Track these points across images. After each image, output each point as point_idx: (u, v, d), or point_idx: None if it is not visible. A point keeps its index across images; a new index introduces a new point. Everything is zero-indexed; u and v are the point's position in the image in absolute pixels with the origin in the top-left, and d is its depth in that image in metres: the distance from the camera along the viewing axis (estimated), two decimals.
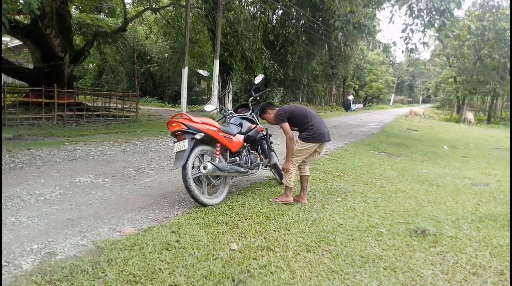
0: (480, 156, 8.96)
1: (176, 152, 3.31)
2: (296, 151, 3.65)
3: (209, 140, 3.51)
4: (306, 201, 3.74)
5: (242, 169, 3.79)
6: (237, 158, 3.84)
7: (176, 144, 3.34)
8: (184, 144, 3.27)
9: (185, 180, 3.26)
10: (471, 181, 5.42)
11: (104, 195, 3.69)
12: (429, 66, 42.53)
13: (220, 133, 3.57)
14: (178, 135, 3.35)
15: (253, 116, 4.32)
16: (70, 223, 2.92)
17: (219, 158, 3.56)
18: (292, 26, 17.68)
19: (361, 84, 35.81)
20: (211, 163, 3.38)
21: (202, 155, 3.57)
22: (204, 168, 3.33)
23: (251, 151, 4.12)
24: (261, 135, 4.25)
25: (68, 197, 3.55)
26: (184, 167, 3.24)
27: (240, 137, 3.89)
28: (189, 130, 3.30)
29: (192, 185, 3.28)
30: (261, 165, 4.20)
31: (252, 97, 4.38)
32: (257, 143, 4.22)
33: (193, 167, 3.38)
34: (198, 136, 3.33)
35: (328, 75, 26.62)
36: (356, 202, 3.90)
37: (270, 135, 4.50)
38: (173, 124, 3.34)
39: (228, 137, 3.67)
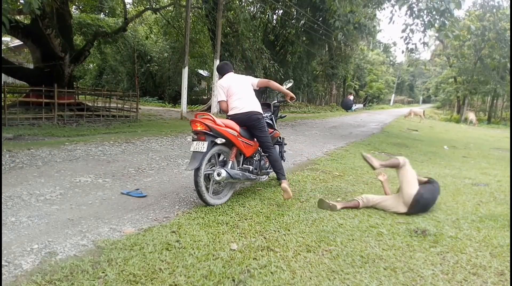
0: (480, 156, 8.95)
1: (193, 151, 3.31)
2: None
3: (226, 142, 3.51)
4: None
5: (252, 176, 3.79)
6: (250, 167, 3.83)
7: (195, 142, 3.32)
8: (203, 146, 3.25)
9: (196, 175, 3.27)
10: (472, 181, 5.41)
11: (104, 195, 3.69)
12: (429, 66, 42.48)
13: (239, 138, 3.57)
14: (198, 134, 3.34)
15: (272, 120, 4.29)
16: (70, 223, 2.92)
17: (232, 161, 3.57)
18: (292, 26, 17.68)
19: (361, 84, 35.79)
20: (226, 170, 3.35)
21: (217, 154, 3.57)
22: (218, 174, 3.31)
23: (262, 156, 4.10)
24: (276, 140, 4.26)
25: (68, 197, 3.55)
26: (198, 169, 3.25)
27: (256, 142, 3.87)
28: (211, 132, 3.30)
29: (201, 181, 3.28)
30: (270, 172, 4.19)
31: (276, 101, 4.39)
32: None
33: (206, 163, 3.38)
34: (218, 141, 3.35)
35: (328, 75, 26.61)
36: None
37: (286, 144, 4.49)
38: (196, 123, 3.33)
39: (246, 142, 3.67)
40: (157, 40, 21.51)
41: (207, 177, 3.52)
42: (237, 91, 3.80)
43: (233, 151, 3.58)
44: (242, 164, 3.80)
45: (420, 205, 3.45)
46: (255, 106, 3.77)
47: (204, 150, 3.24)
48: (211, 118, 3.40)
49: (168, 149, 6.49)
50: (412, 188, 3.44)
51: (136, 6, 15.60)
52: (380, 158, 7.16)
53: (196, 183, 3.29)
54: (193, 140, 3.37)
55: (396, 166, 3.60)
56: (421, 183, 3.63)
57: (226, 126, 3.47)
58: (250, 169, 3.81)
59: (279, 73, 14.94)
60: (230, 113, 3.81)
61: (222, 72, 4.01)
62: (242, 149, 3.64)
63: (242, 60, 14.46)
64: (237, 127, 3.61)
